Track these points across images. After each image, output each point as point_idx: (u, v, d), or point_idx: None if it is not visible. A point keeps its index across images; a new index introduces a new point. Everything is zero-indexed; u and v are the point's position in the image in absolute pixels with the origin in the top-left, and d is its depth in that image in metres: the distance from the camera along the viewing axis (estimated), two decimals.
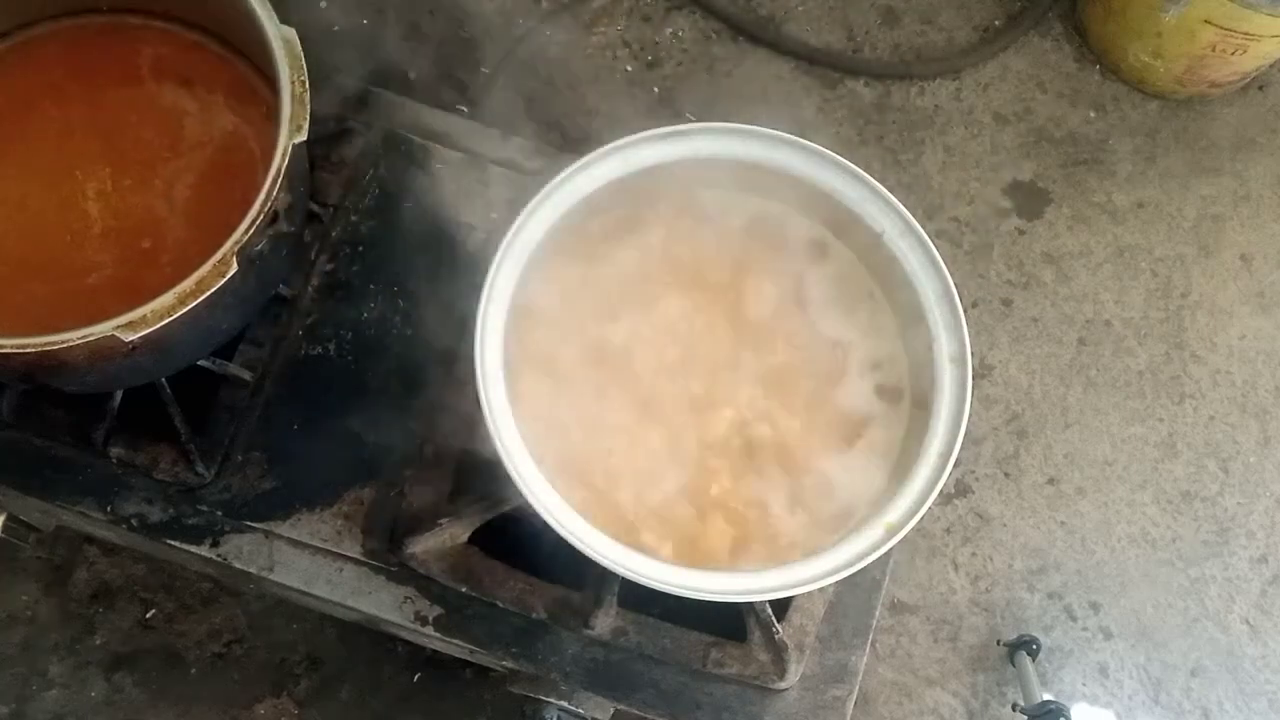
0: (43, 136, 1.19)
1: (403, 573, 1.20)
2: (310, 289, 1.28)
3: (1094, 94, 2.22)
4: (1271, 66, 2.21)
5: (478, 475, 1.16)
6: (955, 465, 1.03)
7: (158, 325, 0.96)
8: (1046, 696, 1.70)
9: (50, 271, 1.14)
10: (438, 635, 1.19)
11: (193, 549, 1.19)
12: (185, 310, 0.97)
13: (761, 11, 2.20)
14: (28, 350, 0.95)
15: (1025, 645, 1.78)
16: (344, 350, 1.27)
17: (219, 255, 0.99)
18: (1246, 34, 1.98)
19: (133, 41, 1.23)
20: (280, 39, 1.07)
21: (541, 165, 1.36)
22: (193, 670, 1.68)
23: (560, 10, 2.14)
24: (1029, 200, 2.13)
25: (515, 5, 2.13)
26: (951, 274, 1.08)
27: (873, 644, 1.30)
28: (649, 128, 1.10)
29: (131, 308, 0.97)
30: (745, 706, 1.19)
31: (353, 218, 1.32)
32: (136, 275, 1.13)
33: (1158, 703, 1.85)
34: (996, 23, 2.25)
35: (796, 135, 1.11)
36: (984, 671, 1.83)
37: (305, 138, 1.04)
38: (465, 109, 2.02)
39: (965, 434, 1.03)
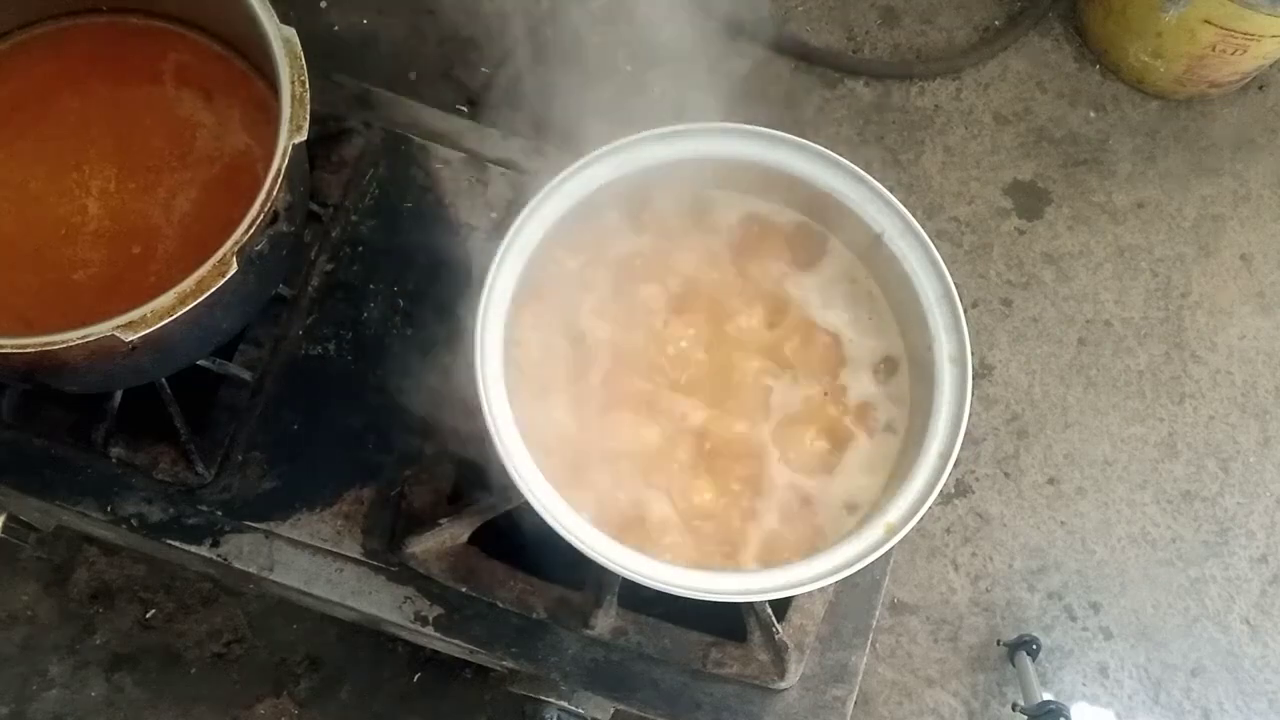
0: (59, 126, 1.19)
1: (403, 573, 1.20)
2: (310, 289, 1.28)
3: (1094, 94, 2.22)
4: (1271, 66, 2.21)
5: (478, 475, 1.16)
6: (955, 465, 1.03)
7: (158, 325, 0.96)
8: (1046, 696, 1.70)
9: (37, 261, 1.13)
10: (438, 635, 1.19)
11: (193, 549, 1.19)
12: (185, 310, 0.97)
13: (761, 11, 2.20)
14: (28, 350, 0.95)
15: (1025, 645, 1.78)
16: (344, 350, 1.27)
17: (219, 255, 0.99)
18: (1246, 34, 1.98)
19: (160, 45, 1.22)
20: (280, 39, 1.07)
21: (541, 165, 1.36)
22: (193, 670, 1.68)
23: (560, 10, 2.14)
24: (1029, 200, 2.13)
25: (515, 5, 2.13)
26: (951, 274, 1.08)
27: (873, 644, 1.30)
28: (649, 128, 1.10)
29: (114, 310, 0.96)
30: (745, 706, 1.19)
31: (353, 218, 1.32)
32: (121, 279, 1.13)
33: (1158, 703, 1.85)
34: (996, 23, 2.25)
35: (796, 135, 1.11)
36: (984, 671, 1.83)
37: (305, 138, 1.04)
38: (465, 109, 2.02)
39: (965, 434, 1.03)
